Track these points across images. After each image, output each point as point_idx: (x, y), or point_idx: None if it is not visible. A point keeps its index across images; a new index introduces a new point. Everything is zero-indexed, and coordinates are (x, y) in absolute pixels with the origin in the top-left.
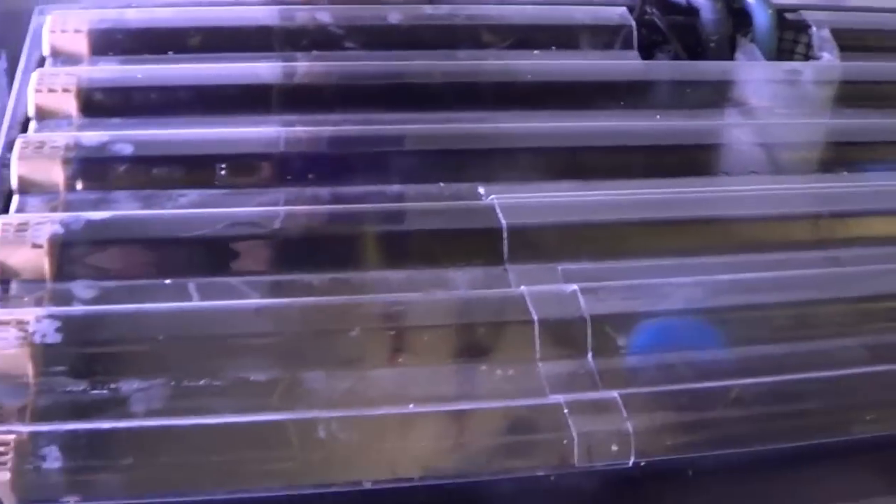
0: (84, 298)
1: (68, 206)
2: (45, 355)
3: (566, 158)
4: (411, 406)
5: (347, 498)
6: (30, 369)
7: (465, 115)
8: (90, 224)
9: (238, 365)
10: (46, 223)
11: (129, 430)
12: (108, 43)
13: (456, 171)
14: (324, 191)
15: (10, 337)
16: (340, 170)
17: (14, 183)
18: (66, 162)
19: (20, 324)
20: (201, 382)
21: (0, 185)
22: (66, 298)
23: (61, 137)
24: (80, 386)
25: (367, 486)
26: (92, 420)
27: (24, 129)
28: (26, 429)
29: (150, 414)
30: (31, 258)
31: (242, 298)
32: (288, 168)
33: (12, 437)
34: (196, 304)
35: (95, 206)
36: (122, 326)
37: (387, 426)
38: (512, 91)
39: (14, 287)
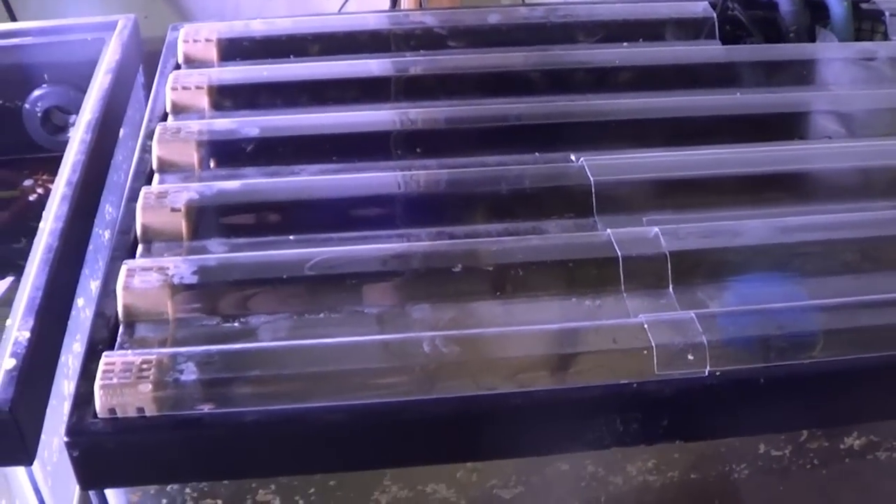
0: (217, 252)
1: (202, 181)
2: (182, 295)
3: (651, 128)
4: (507, 328)
5: (449, 406)
6: (169, 307)
7: (560, 97)
8: (222, 191)
9: (354, 301)
10: (183, 191)
11: (256, 349)
12: (235, 50)
13: (549, 143)
14: (432, 161)
15: (153, 280)
16: (446, 144)
17: (154, 164)
18: (199, 144)
19: (161, 269)
20: (321, 315)
21: (142, 168)
22: (201, 252)
23: (195, 124)
24: (214, 321)
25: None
26: (222, 344)
27: (163, 121)
28: (165, 350)
29: (276, 340)
30: (170, 221)
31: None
32: (400, 144)
33: (154, 356)
34: (317, 250)
35: (226, 179)
36: (250, 270)
37: (487, 343)
38: (601, 76)
39: (155, 247)
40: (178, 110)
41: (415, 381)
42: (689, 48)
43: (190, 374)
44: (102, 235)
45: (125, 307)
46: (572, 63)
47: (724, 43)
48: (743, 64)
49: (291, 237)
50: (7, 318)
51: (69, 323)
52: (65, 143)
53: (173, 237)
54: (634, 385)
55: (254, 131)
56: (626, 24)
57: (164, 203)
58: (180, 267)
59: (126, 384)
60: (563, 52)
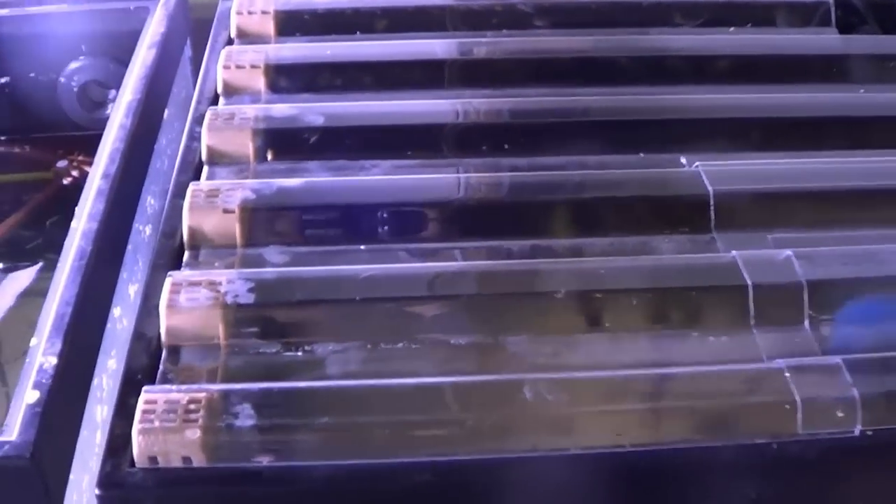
0: (276, 262)
1: (258, 175)
2: (236, 316)
3: (767, 129)
4: (620, 371)
5: (555, 462)
6: (220, 330)
7: (658, 88)
8: (282, 190)
9: (437, 327)
10: (237, 189)
11: (325, 389)
12: (295, 24)
13: (655, 141)
14: (521, 161)
15: (202, 297)
16: (537, 140)
17: (203, 154)
18: (255, 133)
19: (212, 285)
20: (399, 345)
21: (189, 158)
22: (258, 262)
23: (251, 109)
24: (273, 348)
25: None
26: (286, 380)
27: (213, 104)
28: (216, 387)
29: (347, 376)
30: (222, 224)
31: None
32: (484, 139)
33: (203, 394)
34: (393, 266)
35: (286, 174)
36: (315, 288)
37: (595, 390)
38: (706, 66)
39: (203, 253)
40: (231, 92)
41: (516, 434)
42: (804, 36)
43: (246, 418)
44: (143, 231)
45: (169, 329)
46: (672, 50)
47: (837, 31)
48: (863, 57)
49: (363, 247)
50: (29, 320)
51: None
52: (103, 121)
53: (225, 243)
54: (774, 446)
55: (318, 120)
56: (731, 6)
57: (216, 203)
58: (234, 282)
59: (170, 428)
60: (660, 36)
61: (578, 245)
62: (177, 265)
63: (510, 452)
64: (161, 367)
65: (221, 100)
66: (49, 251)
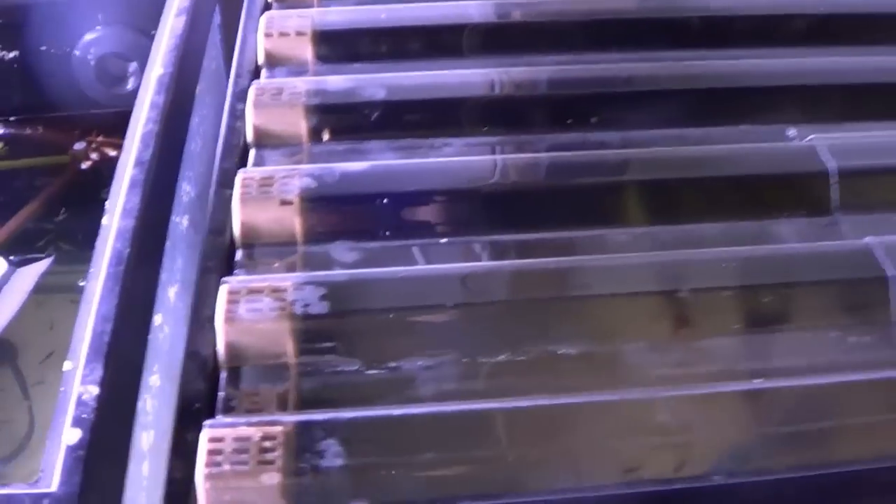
0: (346, 262)
1: (314, 159)
2: (307, 328)
3: (886, 95)
4: (758, 381)
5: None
6: (290, 346)
7: (745, 52)
8: (347, 176)
9: (543, 335)
10: (295, 176)
11: (423, 416)
12: None
13: (757, 111)
14: (613, 136)
15: (265, 308)
16: (625, 112)
17: (249, 135)
18: (309, 109)
19: (276, 292)
20: (500, 357)
21: (234, 140)
22: (325, 262)
23: (301, 83)
24: (353, 365)
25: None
26: (373, 406)
27: (254, 78)
28: (294, 418)
29: (444, 397)
30: (280, 217)
31: (537, 257)
32: (566, 110)
33: (279, 429)
34: (487, 264)
35: (346, 157)
36: (399, 293)
37: (736, 405)
38: (796, 26)
39: (259, 252)
40: (274, 63)
41: (654, 459)
42: None
43: (334, 456)
44: (181, 224)
45: (229, 347)
46: (756, 8)
47: None
48: None
49: (444, 240)
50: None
51: None
52: (123, 97)
53: (284, 240)
54: None
55: (379, 93)
56: None
57: (271, 192)
58: (303, 288)
59: (243, 473)
60: None
61: (689, 233)
62: (228, 267)
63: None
64: (221, 392)
65: (263, 72)
66: (64, 241)
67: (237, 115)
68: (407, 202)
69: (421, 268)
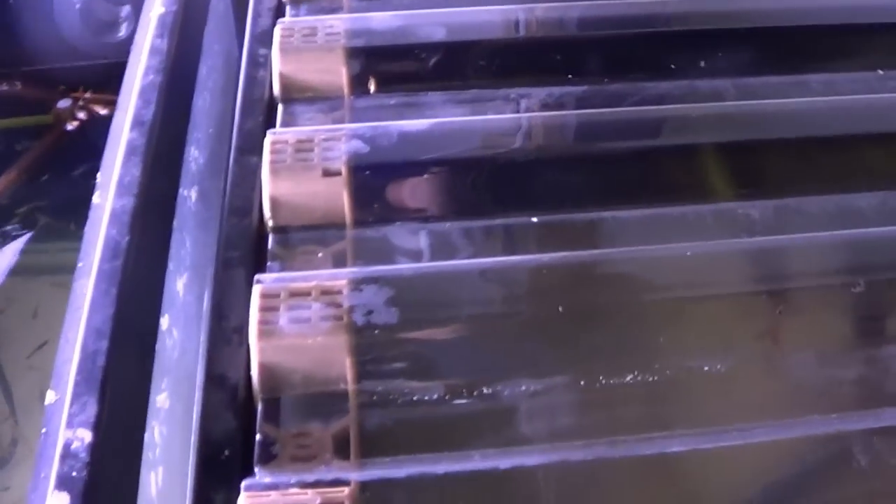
0: (411, 249)
1: (360, 116)
2: (371, 344)
3: None
4: None
5: None
6: (347, 368)
7: None
8: (406, 137)
9: (678, 350)
10: (340, 138)
11: (538, 468)
12: None
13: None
14: (723, 83)
15: (314, 317)
16: (744, 59)
17: (276, 87)
18: (350, 53)
19: (327, 294)
20: (628, 379)
21: (256, 94)
22: (384, 250)
23: (339, 21)
24: (434, 392)
25: None
26: (465, 451)
27: (279, 16)
28: (363, 475)
29: (560, 436)
30: (323, 191)
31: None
32: (670, 49)
33: (344, 491)
34: (604, 251)
35: (401, 113)
36: (492, 292)
37: None
38: None
39: (296, 237)
40: None
41: None
42: None
43: None
44: (189, 197)
45: (266, 370)
46: None
47: None
48: None
49: (535, 219)
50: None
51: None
52: (114, 47)
53: (329, 221)
54: None
55: (438, 32)
56: None
57: (310, 160)
58: (362, 289)
59: None
60: None
61: (830, 204)
62: (257, 260)
63: None
64: (259, 434)
65: (288, 9)
66: (46, 214)
67: (258, 63)
68: (482, 171)
69: (517, 258)
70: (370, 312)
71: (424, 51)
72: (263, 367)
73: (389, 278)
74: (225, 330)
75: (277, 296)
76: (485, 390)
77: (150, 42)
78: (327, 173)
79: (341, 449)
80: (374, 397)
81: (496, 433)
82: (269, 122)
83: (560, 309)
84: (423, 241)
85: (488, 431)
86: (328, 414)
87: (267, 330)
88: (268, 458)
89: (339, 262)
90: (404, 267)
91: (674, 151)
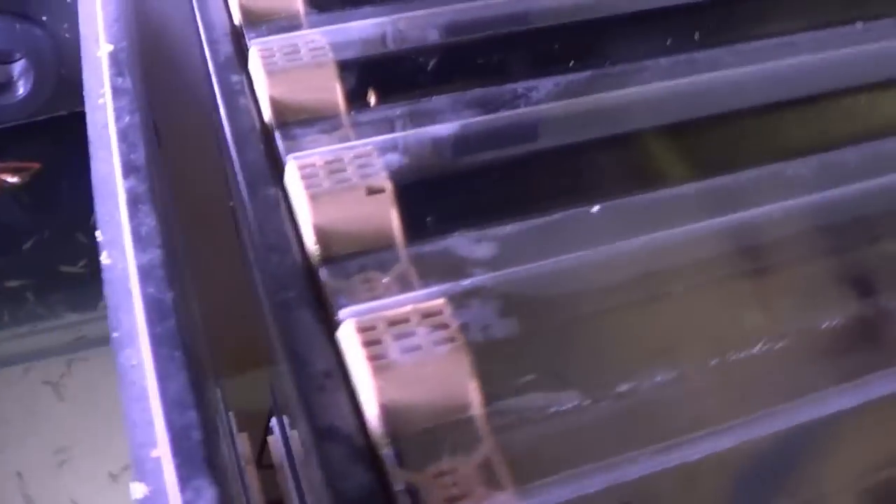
0: (483, 258)
1: (361, 132)
2: (495, 361)
3: None
4: None
5: None
6: (473, 392)
7: None
8: (440, 143)
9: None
10: (371, 153)
11: (701, 460)
12: None
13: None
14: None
15: (425, 343)
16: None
17: (267, 113)
18: (343, 67)
19: (430, 317)
20: (756, 349)
21: (242, 123)
22: (454, 264)
23: (319, 35)
24: (570, 399)
25: None
26: (625, 457)
27: (238, 40)
28: None
29: (716, 419)
30: (370, 212)
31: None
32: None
33: None
34: (698, 227)
35: (415, 122)
36: (596, 281)
37: None
38: None
39: (349, 266)
40: (255, 19)
41: None
42: None
43: None
44: None
45: (389, 412)
46: None
47: None
48: None
49: (595, 209)
50: None
51: None
52: (8, 110)
53: (379, 243)
54: None
55: (431, 35)
56: None
57: (349, 179)
58: (469, 305)
59: None
60: None
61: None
62: (315, 297)
63: None
64: (397, 483)
65: (246, 32)
66: None
67: (235, 91)
68: (532, 164)
69: (610, 247)
70: (487, 327)
71: (421, 55)
72: (385, 407)
73: (491, 288)
74: (313, 377)
75: (374, 328)
76: (620, 387)
77: (109, 83)
78: (372, 191)
79: (492, 480)
80: (510, 418)
81: (650, 424)
82: (270, 151)
83: (679, 288)
84: (486, 248)
85: (638, 430)
86: (463, 445)
87: (381, 366)
88: None
89: (405, 284)
90: (499, 274)
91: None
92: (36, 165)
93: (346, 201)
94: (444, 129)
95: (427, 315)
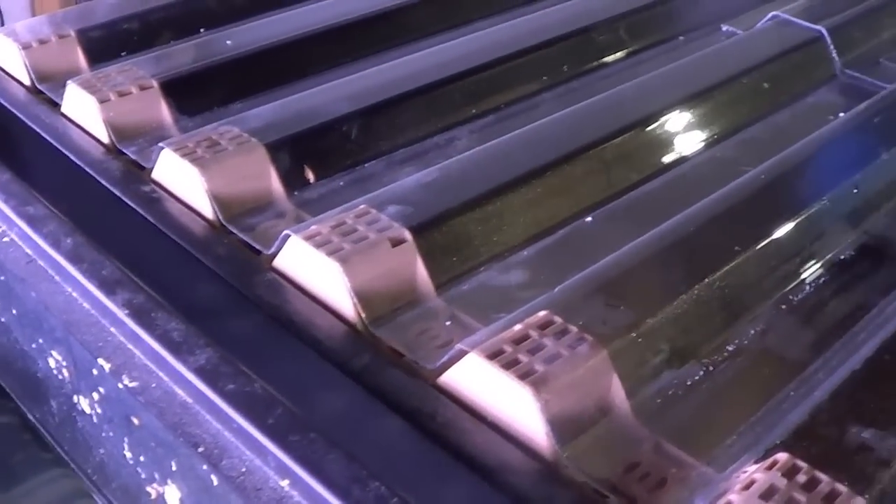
0: (518, 284)
1: (318, 207)
2: (632, 349)
3: None
4: None
5: None
6: (616, 381)
7: None
8: (430, 187)
9: None
10: (368, 212)
11: None
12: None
13: None
14: None
15: (562, 349)
16: None
17: (211, 211)
18: (273, 150)
19: (545, 327)
20: None
21: (187, 230)
22: (503, 297)
23: (228, 127)
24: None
25: None
26: None
27: (120, 157)
28: None
29: None
30: (399, 264)
31: None
32: None
33: None
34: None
35: (357, 190)
36: (673, 259)
37: None
38: None
39: (399, 320)
40: (127, 136)
41: None
42: None
43: None
44: None
45: (557, 421)
46: None
47: None
48: None
49: (589, 218)
50: None
51: None
52: None
53: (414, 295)
54: None
55: (341, 106)
56: None
57: (367, 237)
58: (577, 308)
59: None
60: None
61: None
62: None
63: None
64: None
65: (123, 147)
66: None
67: (152, 199)
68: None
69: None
70: (605, 322)
71: (344, 123)
72: (554, 420)
73: (591, 279)
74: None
75: (503, 351)
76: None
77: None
78: (396, 243)
79: (673, 457)
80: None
81: None
82: (245, 246)
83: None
84: (519, 275)
85: None
86: (624, 437)
87: (536, 380)
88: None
89: (464, 327)
90: (582, 276)
91: None
92: None
93: (376, 258)
94: (422, 177)
95: (542, 326)
